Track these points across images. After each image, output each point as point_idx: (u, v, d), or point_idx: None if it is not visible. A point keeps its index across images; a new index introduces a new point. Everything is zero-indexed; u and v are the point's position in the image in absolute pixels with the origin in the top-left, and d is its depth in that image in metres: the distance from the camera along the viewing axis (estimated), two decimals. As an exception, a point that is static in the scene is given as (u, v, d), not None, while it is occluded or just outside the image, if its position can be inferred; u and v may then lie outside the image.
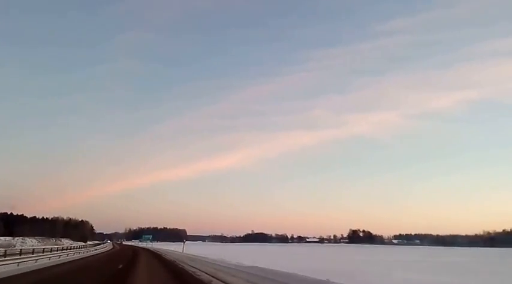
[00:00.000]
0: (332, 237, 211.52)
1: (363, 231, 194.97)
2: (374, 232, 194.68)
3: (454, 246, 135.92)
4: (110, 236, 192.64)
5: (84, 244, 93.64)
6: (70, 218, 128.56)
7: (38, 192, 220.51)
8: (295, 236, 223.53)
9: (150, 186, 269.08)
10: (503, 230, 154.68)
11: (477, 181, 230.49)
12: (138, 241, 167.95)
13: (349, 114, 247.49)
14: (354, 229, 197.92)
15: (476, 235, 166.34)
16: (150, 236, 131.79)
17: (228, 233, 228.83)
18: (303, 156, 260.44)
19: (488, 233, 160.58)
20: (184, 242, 63.44)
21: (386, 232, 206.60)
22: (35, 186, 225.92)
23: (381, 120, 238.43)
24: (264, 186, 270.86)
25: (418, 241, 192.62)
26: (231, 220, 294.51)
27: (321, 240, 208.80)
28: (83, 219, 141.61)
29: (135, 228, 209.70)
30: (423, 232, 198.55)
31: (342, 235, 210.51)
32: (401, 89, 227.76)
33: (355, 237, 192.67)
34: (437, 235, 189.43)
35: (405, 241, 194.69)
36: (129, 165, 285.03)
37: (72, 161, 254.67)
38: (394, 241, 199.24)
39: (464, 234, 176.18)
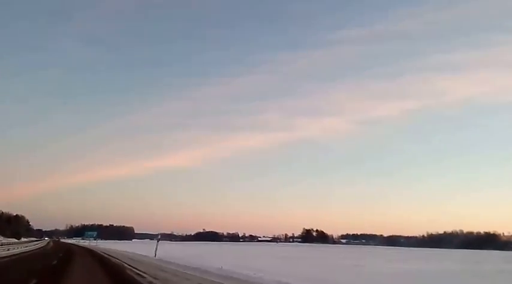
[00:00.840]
0: (283, 236, 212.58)
1: (316, 230, 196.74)
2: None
3: (402, 246, 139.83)
4: (49, 233, 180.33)
5: (17, 240, 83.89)
6: (2, 212, 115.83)
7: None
8: (246, 235, 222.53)
9: (96, 183, 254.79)
10: (444, 232, 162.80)
11: (418, 185, 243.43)
12: (80, 238, 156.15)
13: (299, 118, 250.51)
14: (307, 228, 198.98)
15: (419, 236, 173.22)
16: (95, 233, 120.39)
17: (178, 232, 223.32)
18: (255, 157, 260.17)
19: (431, 234, 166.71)
20: (158, 240, 44.20)
21: (334, 232, 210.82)
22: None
23: (329, 124, 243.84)
24: (216, 185, 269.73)
25: (364, 240, 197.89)
26: (181, 218, 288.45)
27: (274, 239, 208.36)
28: (18, 214, 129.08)
29: (77, 225, 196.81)
30: (367, 232, 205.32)
31: (293, 234, 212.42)
32: (349, 96, 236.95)
33: (308, 236, 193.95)
34: (381, 235, 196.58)
35: (351, 241, 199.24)
36: (75, 161, 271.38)
37: (15, 155, 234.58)
38: (342, 240, 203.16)
39: (406, 235, 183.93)
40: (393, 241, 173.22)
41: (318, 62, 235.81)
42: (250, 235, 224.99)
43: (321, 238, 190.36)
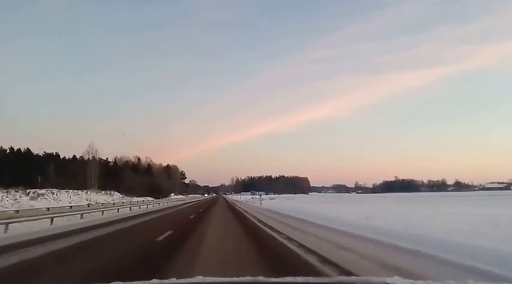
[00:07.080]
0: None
1: None
2: None
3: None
4: (215, 189, 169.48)
5: (151, 200, 52.82)
6: (137, 160, 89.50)
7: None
8: (459, 181, 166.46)
9: (247, 141, 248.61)
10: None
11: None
12: (249, 193, 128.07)
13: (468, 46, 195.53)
14: None
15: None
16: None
17: (362, 183, 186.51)
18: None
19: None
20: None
21: None
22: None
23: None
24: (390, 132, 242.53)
25: None
26: (361, 169, 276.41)
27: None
28: (170, 164, 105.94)
29: (243, 178, 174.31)
30: None
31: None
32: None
33: None
34: None
35: None
36: (222, 121, 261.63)
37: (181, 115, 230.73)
38: None
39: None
40: None
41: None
42: (458, 182, 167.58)
43: None
